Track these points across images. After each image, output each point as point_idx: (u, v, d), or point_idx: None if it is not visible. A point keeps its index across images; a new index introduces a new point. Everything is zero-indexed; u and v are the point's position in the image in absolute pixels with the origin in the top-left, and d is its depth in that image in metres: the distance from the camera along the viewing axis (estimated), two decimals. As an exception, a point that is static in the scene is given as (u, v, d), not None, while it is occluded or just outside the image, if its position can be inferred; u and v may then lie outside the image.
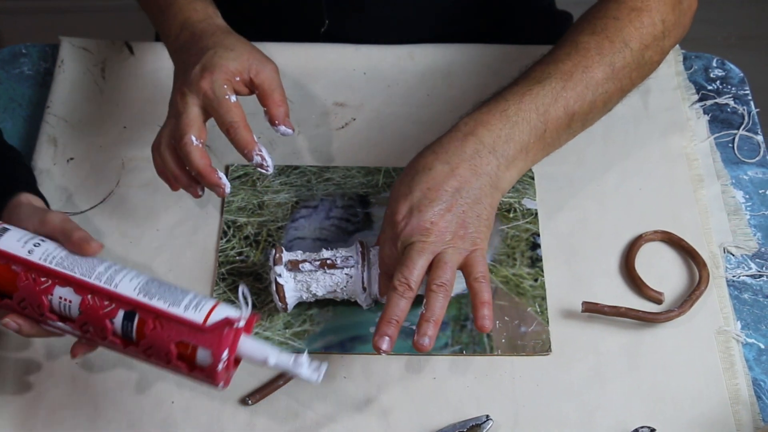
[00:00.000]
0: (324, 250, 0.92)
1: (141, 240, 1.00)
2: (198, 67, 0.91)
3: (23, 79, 1.15)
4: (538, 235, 1.00)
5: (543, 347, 0.93)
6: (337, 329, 0.94)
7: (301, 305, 0.95)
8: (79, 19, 2.13)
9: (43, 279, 0.79)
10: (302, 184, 1.04)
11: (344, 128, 1.10)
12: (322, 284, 0.91)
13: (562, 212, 1.02)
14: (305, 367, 0.79)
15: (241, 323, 0.78)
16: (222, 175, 0.90)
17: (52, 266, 0.79)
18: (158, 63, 1.14)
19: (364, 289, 0.90)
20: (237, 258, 0.98)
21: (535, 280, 0.97)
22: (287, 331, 0.94)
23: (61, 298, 0.79)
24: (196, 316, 0.78)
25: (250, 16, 1.21)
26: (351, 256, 0.91)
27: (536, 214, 1.02)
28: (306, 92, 1.12)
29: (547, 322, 0.94)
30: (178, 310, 0.78)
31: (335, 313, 0.95)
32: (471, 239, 0.86)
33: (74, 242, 0.80)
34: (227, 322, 0.78)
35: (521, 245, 1.00)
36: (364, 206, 1.02)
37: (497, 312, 0.95)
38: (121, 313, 0.79)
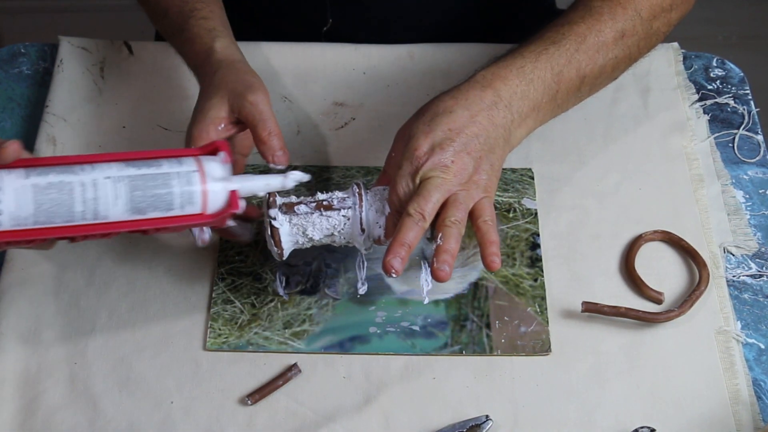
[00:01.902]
0: (319, 193, 0.91)
1: (140, 240, 0.99)
2: (191, 121, 0.92)
3: (22, 78, 1.15)
4: (538, 235, 1.00)
5: (543, 347, 0.93)
6: (336, 329, 0.94)
7: (300, 305, 0.95)
8: (78, 18, 2.12)
9: (26, 240, 0.77)
10: (301, 184, 1.04)
11: (344, 128, 1.10)
12: (319, 227, 0.89)
13: (562, 212, 1.02)
14: (290, 180, 0.86)
15: (232, 185, 0.83)
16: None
17: (29, 226, 0.77)
18: (157, 63, 1.14)
19: (363, 230, 0.89)
20: (236, 258, 0.98)
21: (535, 280, 0.97)
22: (287, 331, 0.94)
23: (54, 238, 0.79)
24: (194, 209, 0.81)
25: (252, 15, 1.21)
26: (348, 197, 0.90)
27: (536, 214, 1.02)
28: (306, 92, 1.12)
29: (547, 322, 0.94)
30: (175, 212, 0.80)
31: (335, 313, 0.95)
32: (483, 185, 0.88)
33: None
34: (224, 205, 0.83)
35: (521, 245, 1.00)
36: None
37: (497, 312, 0.95)
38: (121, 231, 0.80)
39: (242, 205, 0.84)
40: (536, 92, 0.92)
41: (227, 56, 0.95)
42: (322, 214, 0.89)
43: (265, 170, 1.04)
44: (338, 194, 0.90)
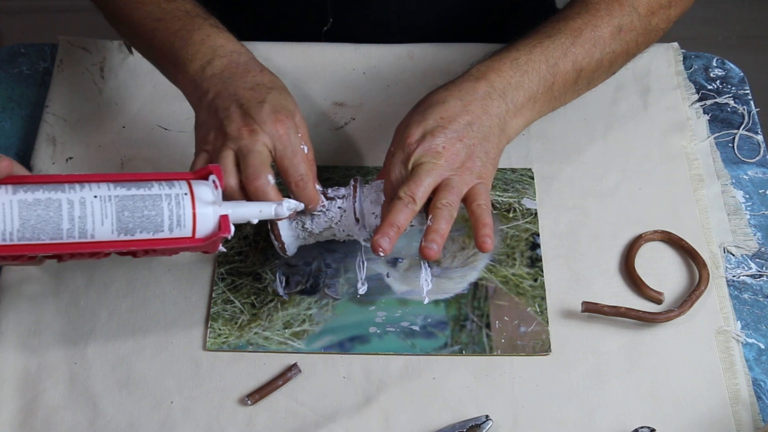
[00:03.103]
0: (317, 187, 0.91)
1: (140, 240, 1.00)
2: (267, 107, 0.88)
3: (22, 78, 1.15)
4: (538, 235, 1.00)
5: (543, 347, 0.93)
6: (336, 329, 0.94)
7: (300, 305, 0.95)
8: (78, 18, 2.12)
9: (12, 256, 0.77)
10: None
11: (344, 128, 1.10)
12: (317, 220, 0.90)
13: (562, 212, 1.02)
14: (285, 210, 0.86)
15: (223, 209, 0.82)
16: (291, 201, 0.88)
17: (15, 242, 0.76)
18: (157, 62, 1.14)
19: (357, 220, 0.90)
20: (236, 258, 0.98)
21: (535, 280, 0.97)
22: (287, 331, 0.94)
23: (38, 256, 0.78)
24: (183, 232, 0.81)
25: (252, 15, 1.21)
26: (342, 188, 0.91)
27: (536, 213, 1.02)
28: (305, 92, 1.12)
29: (547, 322, 0.94)
30: (164, 234, 0.80)
31: (335, 313, 0.95)
32: (477, 172, 0.89)
33: None
34: (215, 229, 0.82)
35: (521, 245, 1.00)
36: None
37: (497, 312, 0.95)
38: (109, 251, 0.80)
39: (233, 230, 0.83)
40: (531, 83, 0.93)
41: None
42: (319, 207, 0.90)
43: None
44: (334, 188, 0.92)
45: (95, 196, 0.78)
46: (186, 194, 0.81)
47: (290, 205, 0.86)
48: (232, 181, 0.87)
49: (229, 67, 0.92)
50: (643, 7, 0.97)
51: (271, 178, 0.86)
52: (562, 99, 0.97)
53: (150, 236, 0.80)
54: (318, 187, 0.91)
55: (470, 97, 0.90)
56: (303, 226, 0.91)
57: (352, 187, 0.91)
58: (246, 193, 0.87)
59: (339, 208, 0.90)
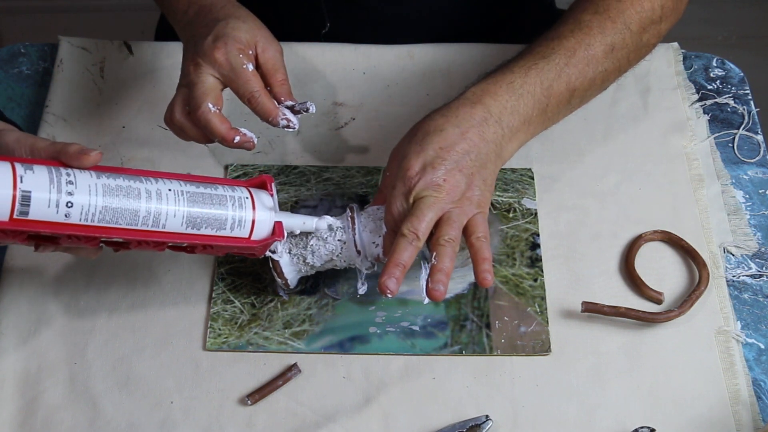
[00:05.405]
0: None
1: (140, 240, 1.00)
2: (210, 38, 0.92)
3: (22, 78, 1.15)
4: (538, 235, 1.00)
5: (543, 347, 0.93)
6: (336, 329, 0.94)
7: (300, 305, 0.95)
8: (78, 18, 2.12)
9: (87, 237, 0.80)
10: (301, 184, 1.04)
11: (344, 128, 1.10)
12: (318, 254, 0.91)
13: (562, 212, 1.02)
14: (324, 224, 0.90)
15: (277, 217, 0.88)
16: (245, 131, 0.91)
17: (95, 223, 0.79)
18: (157, 63, 1.14)
19: (359, 252, 0.90)
20: (236, 258, 0.98)
21: (535, 280, 0.97)
22: (287, 331, 0.94)
23: (108, 241, 0.83)
24: (242, 232, 0.86)
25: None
26: (337, 219, 0.91)
27: (536, 213, 1.02)
28: (305, 92, 1.12)
29: (547, 322, 0.94)
30: (225, 233, 0.85)
31: (335, 313, 0.95)
32: (476, 201, 0.89)
33: (73, 156, 0.79)
34: (269, 233, 0.88)
35: (521, 245, 1.00)
36: (363, 206, 1.02)
37: (497, 312, 0.95)
38: (169, 243, 0.84)
39: (286, 236, 0.89)
40: (526, 107, 0.92)
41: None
42: (318, 241, 0.91)
43: (265, 170, 1.04)
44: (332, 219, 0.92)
45: (169, 189, 0.83)
46: (247, 198, 0.87)
47: (328, 220, 0.90)
48: (177, 114, 0.92)
49: (198, 11, 0.97)
50: (635, 24, 0.96)
51: (211, 106, 0.90)
52: (555, 118, 0.96)
53: (213, 233, 0.85)
54: (288, 101, 0.93)
55: (467, 124, 0.89)
56: (304, 261, 0.91)
57: (349, 218, 0.91)
58: (195, 124, 0.91)
59: (339, 240, 0.90)
